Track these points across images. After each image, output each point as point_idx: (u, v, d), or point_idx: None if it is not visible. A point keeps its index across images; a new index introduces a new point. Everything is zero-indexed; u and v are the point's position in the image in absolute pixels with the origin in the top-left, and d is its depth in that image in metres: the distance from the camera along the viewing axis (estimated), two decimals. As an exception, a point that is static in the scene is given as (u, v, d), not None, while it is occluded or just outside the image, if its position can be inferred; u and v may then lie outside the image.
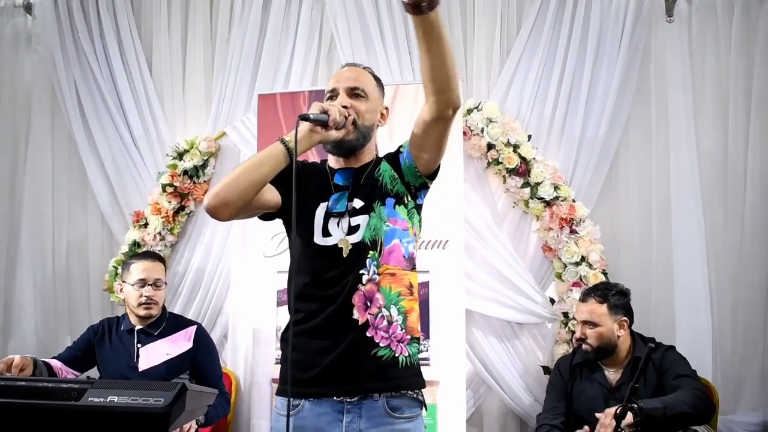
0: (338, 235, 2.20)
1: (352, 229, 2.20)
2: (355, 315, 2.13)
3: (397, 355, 2.13)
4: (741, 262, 4.04)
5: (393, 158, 2.29)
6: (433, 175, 2.28)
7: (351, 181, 2.28)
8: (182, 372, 3.53)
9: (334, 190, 2.27)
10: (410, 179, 2.25)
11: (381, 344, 2.12)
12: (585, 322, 3.45)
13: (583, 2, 4.21)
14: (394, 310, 2.15)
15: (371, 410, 2.10)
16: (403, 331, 2.15)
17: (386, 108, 2.38)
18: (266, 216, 2.29)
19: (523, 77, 4.26)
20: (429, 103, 2.08)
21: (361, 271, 2.15)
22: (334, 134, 2.17)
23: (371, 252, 2.17)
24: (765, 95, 4.09)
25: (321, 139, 2.18)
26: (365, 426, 2.09)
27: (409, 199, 2.26)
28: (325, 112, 2.13)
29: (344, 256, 2.18)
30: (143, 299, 3.54)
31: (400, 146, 2.29)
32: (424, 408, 2.22)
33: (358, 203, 2.23)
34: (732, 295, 4.05)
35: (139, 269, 3.60)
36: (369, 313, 2.12)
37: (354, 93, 2.27)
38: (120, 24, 4.69)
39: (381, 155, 2.37)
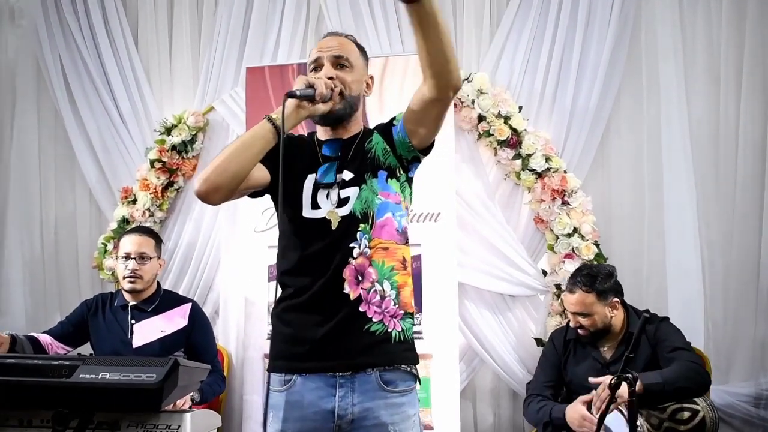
0: (327, 208, 2.17)
1: (342, 202, 2.16)
2: (347, 289, 2.09)
3: (390, 330, 2.11)
4: (732, 231, 4.05)
5: (385, 130, 2.26)
6: (426, 150, 2.25)
7: (339, 153, 2.25)
8: (177, 349, 3.52)
9: (322, 162, 2.24)
10: (403, 152, 2.22)
11: (374, 319, 2.09)
12: (576, 313, 3.42)
13: (573, -29, 4.18)
14: (387, 285, 2.12)
15: (364, 384, 2.08)
16: (396, 306, 2.13)
17: (371, 77, 2.34)
18: (255, 193, 2.26)
19: (514, 48, 4.23)
20: (428, 84, 2.05)
21: (352, 245, 2.12)
22: (322, 107, 2.14)
23: (362, 225, 2.13)
24: (756, 63, 4.07)
25: (308, 113, 2.14)
26: (358, 400, 2.07)
27: (401, 172, 2.23)
28: (311, 86, 2.10)
29: (333, 228, 2.14)
30: (127, 272, 3.52)
31: (393, 118, 2.26)
32: (418, 382, 2.19)
33: (347, 175, 2.20)
34: (723, 264, 4.05)
35: (125, 242, 3.59)
36: (362, 288, 2.09)
37: (338, 63, 2.23)
38: (105, -3, 4.63)
39: (371, 126, 2.33)
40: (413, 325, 2.21)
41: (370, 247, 2.12)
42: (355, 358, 2.08)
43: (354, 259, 2.11)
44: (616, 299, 3.38)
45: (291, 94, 2.08)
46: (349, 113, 2.24)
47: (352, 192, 2.17)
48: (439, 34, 1.94)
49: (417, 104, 2.13)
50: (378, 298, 2.10)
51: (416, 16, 1.91)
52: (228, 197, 2.12)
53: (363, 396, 2.07)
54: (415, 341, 2.22)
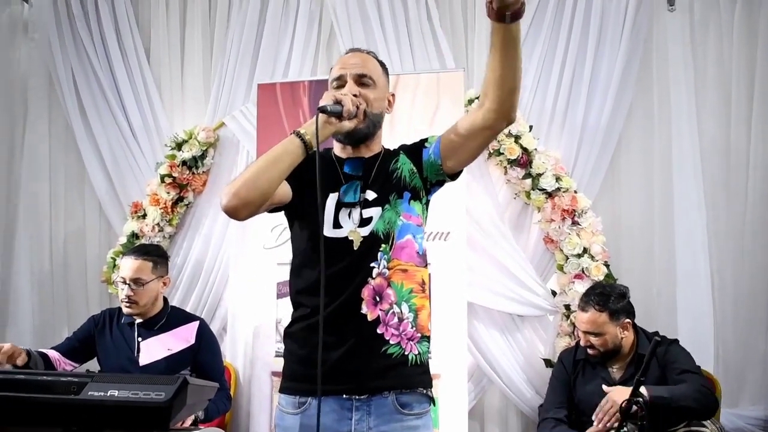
0: (349, 227, 2.14)
1: (364, 221, 2.14)
2: (364, 310, 2.07)
3: (407, 353, 2.09)
4: (743, 253, 4.03)
5: (413, 151, 2.24)
6: (456, 176, 2.25)
7: (362, 172, 2.23)
8: (183, 367, 3.50)
9: (345, 180, 2.21)
10: (429, 175, 2.21)
11: (391, 341, 2.07)
12: (587, 332, 3.40)
13: (584, -9, 4.19)
14: (405, 307, 2.10)
15: (381, 407, 2.05)
16: (414, 329, 2.11)
17: (392, 95, 2.33)
18: (273, 209, 2.22)
19: (524, 67, 4.20)
20: (485, 110, 2.04)
21: (372, 264, 2.10)
22: (347, 125, 2.12)
23: (383, 245, 2.12)
24: (767, 83, 4.06)
25: (335, 130, 2.12)
26: (374, 423, 2.04)
27: (423, 194, 2.22)
28: (338, 102, 2.08)
29: (355, 248, 2.12)
30: (122, 296, 3.50)
31: (425, 140, 2.24)
32: (432, 404, 2.18)
33: (371, 195, 2.18)
34: (734, 286, 4.04)
35: (122, 266, 3.56)
36: (380, 309, 2.07)
37: (362, 81, 2.20)
38: (117, 11, 4.65)
39: (396, 146, 2.32)
40: (429, 350, 2.18)
41: (389, 268, 2.11)
42: (371, 380, 2.06)
43: (373, 279, 2.09)
44: (627, 320, 3.36)
45: (323, 109, 2.05)
46: (373, 132, 2.23)
47: (374, 212, 2.15)
48: (517, 60, 1.96)
49: (465, 129, 2.12)
50: (396, 320, 2.08)
51: (501, 37, 1.92)
52: (255, 213, 2.07)
53: (379, 419, 2.05)
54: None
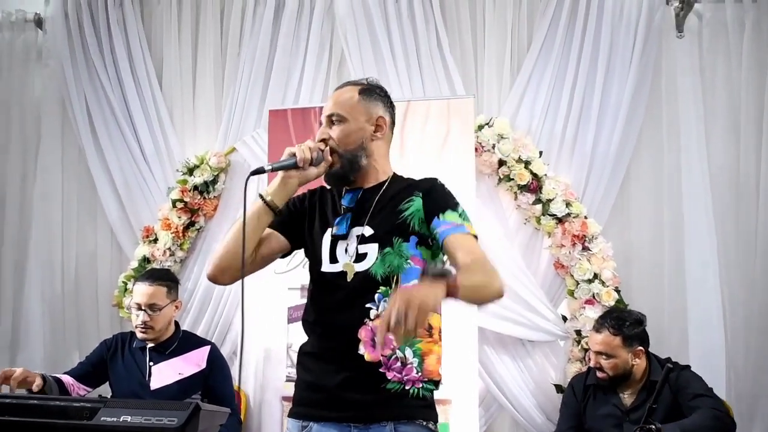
0: (344, 260, 2.16)
1: (360, 257, 2.14)
2: (361, 350, 2.07)
3: (407, 387, 2.06)
4: (754, 279, 4.03)
5: (428, 206, 2.15)
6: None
7: (355, 203, 2.23)
8: (194, 392, 3.49)
9: (342, 213, 2.23)
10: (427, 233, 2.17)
11: (392, 379, 2.06)
12: (599, 353, 3.40)
13: (593, 18, 4.22)
14: (408, 352, 2.07)
15: None
16: (419, 373, 2.08)
17: (380, 116, 2.25)
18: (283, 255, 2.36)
19: (534, 93, 4.26)
20: None
21: (368, 305, 2.09)
22: (314, 171, 2.17)
23: (382, 288, 2.09)
24: (777, 110, 4.08)
25: (299, 181, 2.18)
26: None
27: (432, 241, 2.16)
28: (293, 154, 2.13)
29: (348, 280, 2.13)
30: (138, 322, 3.50)
31: (443, 210, 2.13)
32: None
33: (367, 230, 2.16)
34: (745, 312, 4.03)
35: (136, 292, 3.55)
36: (382, 355, 2.05)
37: (331, 121, 2.23)
38: (130, 38, 4.68)
39: (416, 177, 2.27)
40: (434, 390, 2.14)
41: None
42: (370, 410, 2.06)
43: (371, 320, 2.08)
44: (640, 348, 3.35)
45: (258, 171, 2.15)
46: (352, 168, 2.21)
47: (370, 249, 2.14)
48: (477, 297, 2.00)
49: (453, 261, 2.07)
50: (399, 364, 2.06)
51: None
52: (237, 276, 2.18)
53: None
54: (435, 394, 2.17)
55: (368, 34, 4.38)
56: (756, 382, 3.97)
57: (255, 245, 2.20)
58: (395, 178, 2.28)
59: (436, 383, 2.14)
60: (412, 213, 2.14)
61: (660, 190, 4.22)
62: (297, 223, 2.30)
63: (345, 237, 2.18)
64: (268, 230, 2.26)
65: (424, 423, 2.09)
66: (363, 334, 2.07)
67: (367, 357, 2.06)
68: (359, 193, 2.24)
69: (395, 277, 2.10)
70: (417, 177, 2.28)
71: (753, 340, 3.99)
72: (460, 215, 2.12)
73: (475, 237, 2.11)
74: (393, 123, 2.33)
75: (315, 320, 2.20)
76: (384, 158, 2.29)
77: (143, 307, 3.49)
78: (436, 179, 2.22)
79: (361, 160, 2.21)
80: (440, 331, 2.17)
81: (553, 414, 3.86)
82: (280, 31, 4.53)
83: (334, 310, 2.15)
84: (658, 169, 4.23)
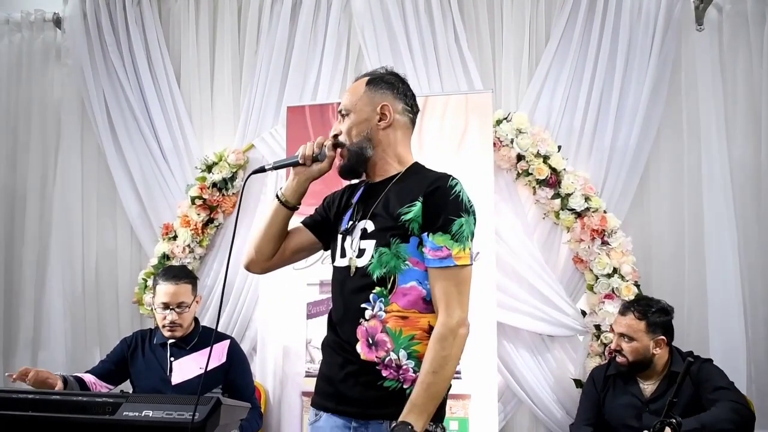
0: (349, 255, 2.19)
1: (361, 252, 2.15)
2: (358, 349, 2.08)
3: (405, 386, 2.05)
4: (775, 273, 4.00)
5: (424, 219, 2.09)
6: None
7: (359, 198, 2.27)
8: (215, 386, 3.52)
9: (351, 207, 2.29)
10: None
11: (388, 377, 2.06)
12: (621, 335, 3.40)
13: (612, 12, 4.19)
14: (403, 354, 2.05)
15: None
16: (417, 374, 2.04)
17: (384, 105, 2.22)
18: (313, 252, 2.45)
19: (553, 87, 4.25)
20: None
21: (363, 305, 2.10)
22: (318, 167, 2.26)
23: (378, 288, 2.08)
24: (797, 103, 4.04)
25: (306, 177, 2.27)
26: None
27: None
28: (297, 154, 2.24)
29: (351, 275, 2.16)
30: (166, 322, 3.53)
31: (433, 237, 2.07)
32: None
33: (369, 225, 2.17)
34: (766, 306, 4.01)
35: (162, 292, 3.55)
36: (376, 356, 2.06)
37: (341, 115, 2.28)
38: (148, 37, 4.71)
39: (432, 175, 2.20)
40: None
41: (385, 312, 2.07)
42: (369, 408, 2.07)
43: (366, 321, 2.09)
44: (662, 337, 3.35)
45: (259, 170, 2.28)
46: (360, 160, 2.23)
47: (368, 245, 2.14)
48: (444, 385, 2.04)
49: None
50: (395, 366, 2.06)
51: None
52: (268, 267, 2.39)
53: None
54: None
55: (385, 30, 4.38)
56: (777, 376, 3.95)
57: (279, 240, 2.31)
58: (412, 170, 2.25)
59: None
60: (410, 219, 2.10)
61: (680, 184, 4.19)
62: (328, 221, 2.37)
63: (351, 232, 2.21)
64: (298, 225, 2.36)
65: None
66: (360, 333, 2.09)
67: (363, 356, 2.07)
68: (366, 187, 2.28)
69: (392, 278, 2.09)
70: (438, 170, 2.24)
71: (774, 334, 3.97)
72: (452, 236, 2.05)
73: (465, 265, 2.07)
74: (411, 110, 2.30)
75: (329, 313, 2.26)
76: (396, 148, 2.26)
77: (172, 306, 3.52)
78: (445, 181, 2.13)
79: (367, 152, 2.22)
80: None
81: (573, 409, 3.84)
82: (297, 28, 4.53)
83: (339, 305, 2.19)
84: (678, 163, 4.20)
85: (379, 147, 2.23)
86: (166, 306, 3.52)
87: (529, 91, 4.27)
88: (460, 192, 2.11)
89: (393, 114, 2.24)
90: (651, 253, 4.17)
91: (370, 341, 2.07)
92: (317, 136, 2.29)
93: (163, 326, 3.54)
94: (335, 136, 2.25)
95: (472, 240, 2.10)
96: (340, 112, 2.26)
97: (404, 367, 2.05)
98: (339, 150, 2.26)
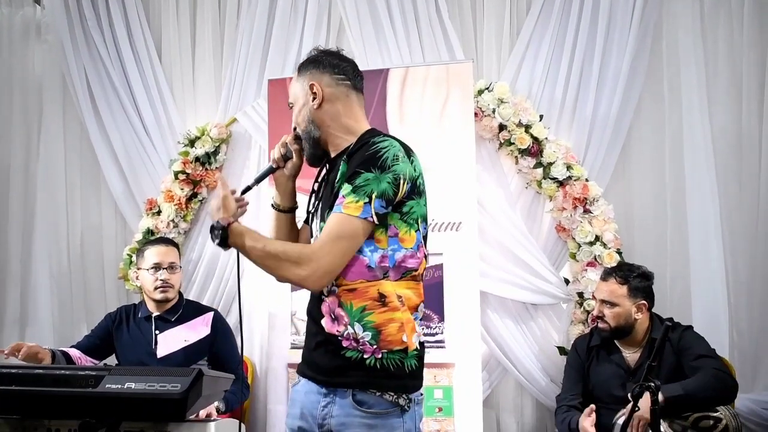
0: (315, 235, 2.25)
1: (321, 230, 2.17)
2: (323, 323, 2.10)
3: (365, 356, 2.04)
4: (756, 240, 4.02)
5: (347, 171, 2.08)
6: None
7: (319, 176, 2.34)
8: (201, 358, 3.56)
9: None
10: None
11: (348, 347, 2.06)
12: (603, 301, 3.44)
13: (593, -21, 4.18)
14: (358, 327, 2.04)
15: (342, 399, 2.06)
16: (375, 346, 2.03)
17: (311, 84, 2.20)
18: None
19: (534, 57, 4.24)
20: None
21: None
22: (291, 164, 2.31)
23: None
24: (778, 71, 4.05)
25: (285, 177, 2.34)
26: (336, 413, 2.06)
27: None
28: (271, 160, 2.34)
29: None
30: (159, 282, 3.56)
31: (342, 190, 2.06)
32: (400, 409, 2.07)
33: (317, 203, 2.28)
34: (748, 272, 4.03)
35: (153, 254, 3.63)
36: (337, 330, 2.07)
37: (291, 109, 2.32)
38: (129, 12, 4.68)
39: (364, 144, 2.14)
40: (403, 357, 2.07)
41: (337, 286, 2.08)
42: (334, 376, 2.08)
43: (326, 296, 2.10)
44: (644, 302, 3.39)
45: (246, 190, 2.29)
46: (312, 145, 2.25)
47: (315, 226, 2.25)
48: (261, 264, 2.13)
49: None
50: (353, 339, 2.05)
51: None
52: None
53: (341, 410, 2.06)
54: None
55: (366, 1, 4.36)
56: (758, 342, 3.98)
57: (288, 239, 2.35)
58: (360, 141, 2.18)
59: (402, 351, 2.07)
60: (338, 183, 2.09)
61: (662, 151, 4.20)
62: None
63: (316, 213, 2.26)
64: (302, 225, 2.42)
65: (378, 393, 2.05)
66: (324, 308, 2.11)
67: (327, 330, 2.09)
68: (328, 164, 2.30)
69: None
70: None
71: (756, 301, 3.99)
72: (354, 188, 2.02)
73: (351, 215, 2.01)
74: (345, 77, 2.25)
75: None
76: (341, 120, 2.23)
77: (164, 266, 3.58)
78: (371, 137, 2.12)
79: (314, 134, 2.23)
80: (401, 298, 2.07)
81: (557, 376, 3.88)
82: (278, 1, 4.51)
83: None
84: (660, 131, 4.21)
85: (323, 126, 2.21)
86: (157, 267, 3.58)
87: (510, 61, 4.26)
88: (381, 149, 2.06)
89: (322, 89, 2.21)
90: (633, 220, 4.19)
91: (333, 316, 2.08)
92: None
93: (155, 288, 3.57)
94: (294, 129, 2.28)
95: (380, 199, 2.01)
96: (290, 106, 2.31)
97: (361, 339, 2.04)
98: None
